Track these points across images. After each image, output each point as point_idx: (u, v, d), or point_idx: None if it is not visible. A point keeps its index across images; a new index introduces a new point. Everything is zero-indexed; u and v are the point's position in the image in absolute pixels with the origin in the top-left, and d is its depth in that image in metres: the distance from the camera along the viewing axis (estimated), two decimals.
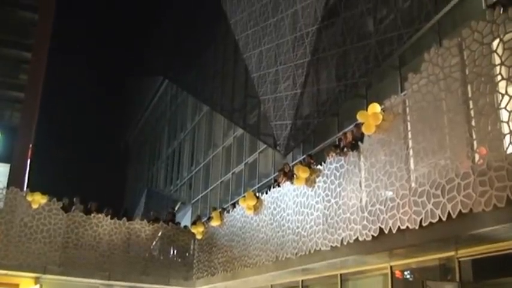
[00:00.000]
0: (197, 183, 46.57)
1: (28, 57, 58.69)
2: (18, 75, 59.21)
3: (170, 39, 56.24)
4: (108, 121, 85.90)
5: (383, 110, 11.76)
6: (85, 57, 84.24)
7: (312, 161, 16.03)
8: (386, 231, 11.19)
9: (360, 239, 12.10)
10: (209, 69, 44.29)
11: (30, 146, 56.18)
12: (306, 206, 14.75)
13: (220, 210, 23.47)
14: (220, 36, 41.40)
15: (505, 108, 8.62)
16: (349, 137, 13.49)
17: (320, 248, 13.74)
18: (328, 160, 13.98)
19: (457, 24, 18.40)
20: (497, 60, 8.95)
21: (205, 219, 26.25)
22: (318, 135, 26.39)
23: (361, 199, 12.36)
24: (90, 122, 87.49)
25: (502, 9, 9.47)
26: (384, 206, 11.33)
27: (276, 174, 21.49)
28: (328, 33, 25.98)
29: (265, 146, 32.54)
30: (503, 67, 8.78)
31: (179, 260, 23.70)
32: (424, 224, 10.09)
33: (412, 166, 10.76)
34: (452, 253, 11.02)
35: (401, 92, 18.46)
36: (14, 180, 45.46)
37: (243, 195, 20.44)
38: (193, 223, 24.10)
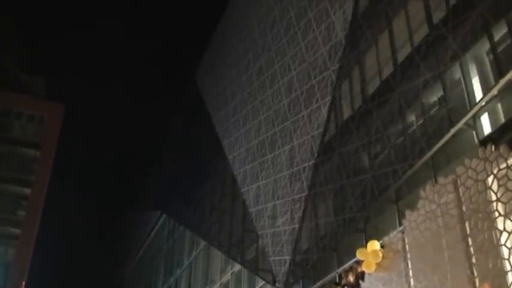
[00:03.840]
0: None
1: (27, 193, 59.07)
2: (16, 211, 59.22)
3: (168, 173, 56.99)
4: (104, 256, 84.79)
5: (382, 246, 11.65)
6: (83, 192, 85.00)
7: None
8: None
9: None
10: (207, 204, 44.42)
11: (23, 283, 54.82)
12: None
13: None
14: (218, 171, 42.00)
15: (504, 245, 8.55)
16: (350, 277, 13.24)
17: None
18: None
19: (450, 159, 18.73)
20: (493, 197, 9.03)
21: None
22: (318, 270, 25.85)
23: None
24: (85, 256, 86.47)
25: (493, 147, 9.73)
26: None
27: None
28: (324, 168, 26.38)
29: (263, 282, 31.74)
30: (499, 203, 8.84)
31: None
32: None
33: None
34: None
35: (400, 225, 18.36)
36: None
37: None
38: None
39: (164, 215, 60.99)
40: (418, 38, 20.75)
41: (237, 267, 36.93)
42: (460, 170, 9.66)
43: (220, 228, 40.78)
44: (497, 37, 16.43)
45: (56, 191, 66.86)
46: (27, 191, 59.16)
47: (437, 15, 19.78)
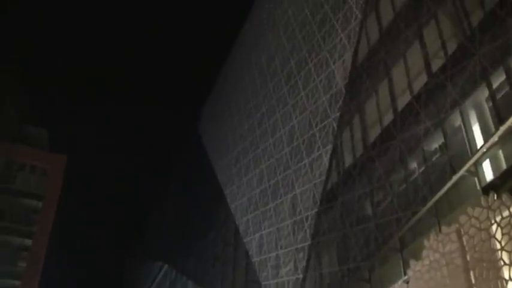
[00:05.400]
0: None
1: (28, 244, 58.73)
2: (17, 262, 58.69)
3: (171, 223, 56.64)
4: None
5: None
6: (85, 242, 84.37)
7: None
8: None
9: None
10: (209, 254, 43.95)
11: None
12: None
13: None
14: (220, 221, 41.74)
15: None
16: None
17: None
18: None
19: (453, 206, 18.59)
20: (498, 246, 8.92)
21: None
22: None
23: None
24: None
25: (495, 195, 9.67)
26: None
27: None
28: (327, 216, 26.20)
29: None
30: (504, 252, 8.73)
31: None
32: None
33: None
34: None
35: (404, 275, 18.10)
36: None
37: None
38: None
39: (166, 265, 60.27)
40: (417, 86, 20.94)
41: None
42: (463, 218, 9.58)
43: (223, 278, 40.21)
44: (495, 84, 16.56)
45: (58, 241, 66.29)
46: (28, 242, 58.80)
47: (436, 64, 20.01)
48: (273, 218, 31.45)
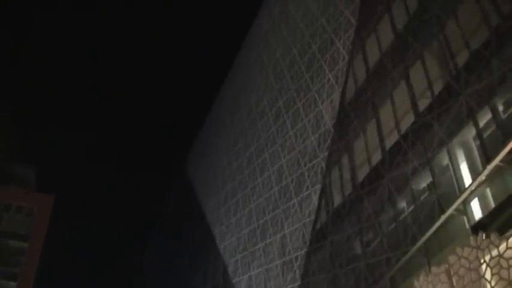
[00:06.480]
0: None
1: (13, 286, 57.54)
2: None
3: (158, 264, 55.83)
4: None
5: None
6: (72, 280, 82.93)
7: None
8: None
9: None
10: None
11: None
12: None
13: None
14: (209, 262, 41.21)
15: None
16: None
17: None
18: None
19: (443, 245, 18.48)
20: (488, 286, 8.82)
21: None
22: None
23: None
24: None
25: (484, 235, 9.62)
26: None
27: None
28: (317, 256, 25.96)
29: None
30: None
31: None
32: None
33: None
34: None
35: None
36: None
37: None
38: None
39: None
40: (404, 125, 21.06)
41: None
42: (452, 258, 9.50)
43: None
44: (482, 123, 16.69)
45: (45, 279, 65.08)
46: (13, 284, 57.58)
47: (423, 103, 20.18)
48: (262, 258, 31.11)
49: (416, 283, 10.21)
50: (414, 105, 20.66)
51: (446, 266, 9.66)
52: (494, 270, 8.73)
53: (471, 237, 11.27)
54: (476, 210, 16.24)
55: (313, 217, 27.02)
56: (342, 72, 27.75)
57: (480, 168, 16.15)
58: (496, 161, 15.10)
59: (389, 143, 21.95)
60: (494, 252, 8.87)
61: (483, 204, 15.96)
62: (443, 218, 16.96)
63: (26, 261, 59.15)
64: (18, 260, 59.30)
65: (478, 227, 11.89)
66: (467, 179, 17.01)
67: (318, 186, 27.15)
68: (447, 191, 17.66)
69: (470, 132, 17.35)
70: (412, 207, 19.74)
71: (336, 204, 25.55)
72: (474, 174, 16.46)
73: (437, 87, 19.52)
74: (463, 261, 9.35)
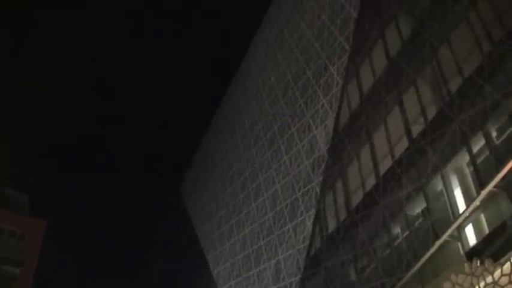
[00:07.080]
0: None
1: None
2: None
3: None
4: None
5: None
6: None
7: None
8: None
9: None
10: None
11: None
12: None
13: None
14: (203, 286, 40.81)
15: None
16: None
17: None
18: None
19: (438, 271, 18.36)
20: None
21: None
22: None
23: None
24: None
25: (478, 262, 9.54)
26: None
27: None
28: (311, 282, 25.73)
29: None
30: None
31: None
32: None
33: None
34: None
35: None
36: None
37: None
38: None
39: None
40: (398, 150, 21.08)
41: None
42: (447, 285, 9.40)
43: None
44: (476, 149, 16.70)
45: None
46: None
47: (416, 129, 20.22)
48: (256, 284, 30.81)
49: None
50: (408, 131, 20.70)
51: None
52: None
53: (466, 264, 11.19)
54: (471, 236, 16.18)
55: (307, 243, 26.86)
56: (336, 97, 27.86)
57: (474, 193, 16.13)
58: (490, 187, 15.09)
59: (383, 168, 21.94)
60: (489, 279, 8.79)
61: (477, 230, 15.91)
62: (437, 244, 16.89)
63: (19, 287, 58.36)
64: (11, 285, 58.53)
65: (472, 254, 11.81)
66: (461, 204, 16.97)
67: (312, 212, 27.05)
68: (441, 216, 17.61)
69: (464, 158, 17.36)
70: (407, 233, 19.65)
71: (330, 230, 25.42)
72: (468, 199, 16.44)
73: (431, 112, 19.58)
74: None
